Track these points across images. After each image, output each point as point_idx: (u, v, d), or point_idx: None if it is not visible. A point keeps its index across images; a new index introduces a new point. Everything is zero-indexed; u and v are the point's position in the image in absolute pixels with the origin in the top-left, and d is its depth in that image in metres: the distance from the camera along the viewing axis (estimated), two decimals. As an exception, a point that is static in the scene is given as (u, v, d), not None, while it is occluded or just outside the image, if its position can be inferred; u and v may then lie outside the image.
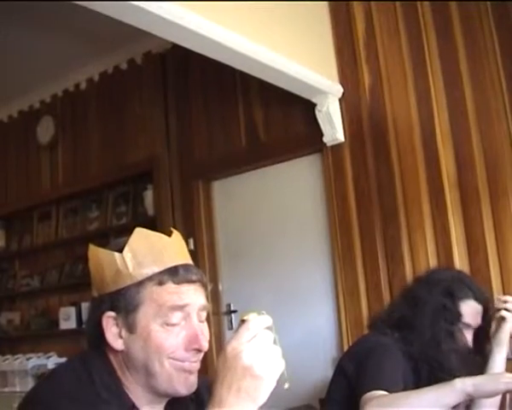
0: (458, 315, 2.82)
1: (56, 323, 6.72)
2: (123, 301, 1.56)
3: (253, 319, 1.31)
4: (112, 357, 1.61)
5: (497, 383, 2.19)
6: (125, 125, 6.17)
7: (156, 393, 1.61)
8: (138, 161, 5.99)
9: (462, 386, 2.19)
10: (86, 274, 6.41)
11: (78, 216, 6.73)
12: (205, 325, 1.63)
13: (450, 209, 4.28)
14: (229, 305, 5.33)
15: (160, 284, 1.57)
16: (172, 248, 1.63)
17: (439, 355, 2.70)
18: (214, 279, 5.37)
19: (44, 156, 6.97)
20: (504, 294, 3.98)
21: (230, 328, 5.25)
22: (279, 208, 5.20)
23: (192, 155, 5.65)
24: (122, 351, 1.59)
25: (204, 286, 1.65)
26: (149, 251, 1.59)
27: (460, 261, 4.19)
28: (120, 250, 1.59)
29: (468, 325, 2.81)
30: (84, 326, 6.11)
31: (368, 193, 4.62)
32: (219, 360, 1.30)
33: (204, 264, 5.36)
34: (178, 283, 1.58)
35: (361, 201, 4.65)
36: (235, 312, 5.29)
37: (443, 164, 4.33)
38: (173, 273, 1.58)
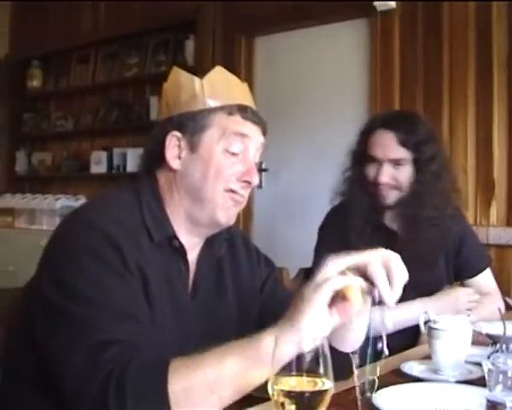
0: (361, 150, 2.61)
1: (87, 166, 6.81)
2: (192, 122, 1.63)
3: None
4: (163, 180, 1.68)
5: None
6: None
7: (196, 221, 1.67)
8: (182, 8, 5.85)
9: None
10: (120, 120, 6.48)
11: (116, 61, 6.68)
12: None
13: (496, 91, 4.18)
14: (260, 163, 5.29)
15: (230, 114, 1.65)
16: (245, 92, 1.73)
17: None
18: (248, 136, 5.34)
19: (87, -3, 6.83)
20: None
21: (260, 187, 5.26)
22: (321, 72, 5.12)
23: (237, 8, 5.51)
24: (176, 172, 1.65)
25: (264, 135, 1.72)
26: (226, 86, 1.68)
27: (498, 145, 4.12)
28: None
29: (372, 158, 2.55)
30: (114, 171, 6.25)
31: (414, 65, 4.51)
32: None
33: (239, 120, 5.29)
34: (245, 119, 1.66)
35: (405, 72, 4.55)
36: (265, 170, 5.29)
37: (495, 44, 4.20)
38: (243, 110, 1.66)
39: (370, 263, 1.33)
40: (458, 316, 1.99)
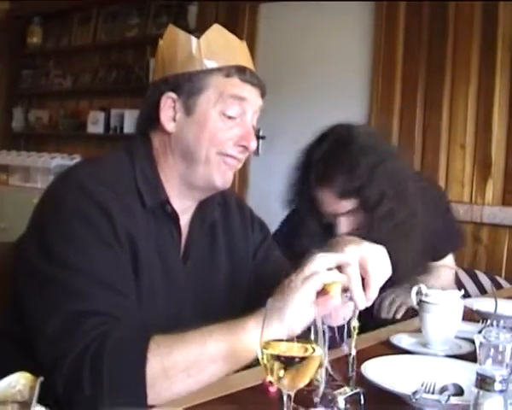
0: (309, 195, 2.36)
1: (84, 126, 6.80)
2: (188, 83, 1.58)
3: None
4: (157, 143, 1.64)
5: None
6: None
7: (191, 185, 1.63)
8: (186, -28, 5.80)
9: None
10: (119, 81, 6.44)
11: (117, 21, 6.64)
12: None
13: (499, 70, 4.15)
14: (258, 130, 5.28)
15: (227, 76, 1.60)
16: (244, 52, 1.68)
17: None
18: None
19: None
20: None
21: (257, 154, 5.27)
22: (324, 45, 5.08)
23: (242, -26, 5.46)
24: (170, 135, 1.61)
25: (263, 97, 1.68)
26: (224, 46, 1.63)
27: (498, 123, 4.11)
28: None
29: (324, 212, 2.33)
30: (111, 132, 6.24)
31: (417, 41, 4.46)
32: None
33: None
34: (244, 81, 1.61)
35: (409, 48, 4.52)
36: (263, 138, 5.29)
37: (500, 23, 4.16)
38: (241, 71, 1.61)
39: (348, 264, 1.36)
40: (450, 291, 2.00)
